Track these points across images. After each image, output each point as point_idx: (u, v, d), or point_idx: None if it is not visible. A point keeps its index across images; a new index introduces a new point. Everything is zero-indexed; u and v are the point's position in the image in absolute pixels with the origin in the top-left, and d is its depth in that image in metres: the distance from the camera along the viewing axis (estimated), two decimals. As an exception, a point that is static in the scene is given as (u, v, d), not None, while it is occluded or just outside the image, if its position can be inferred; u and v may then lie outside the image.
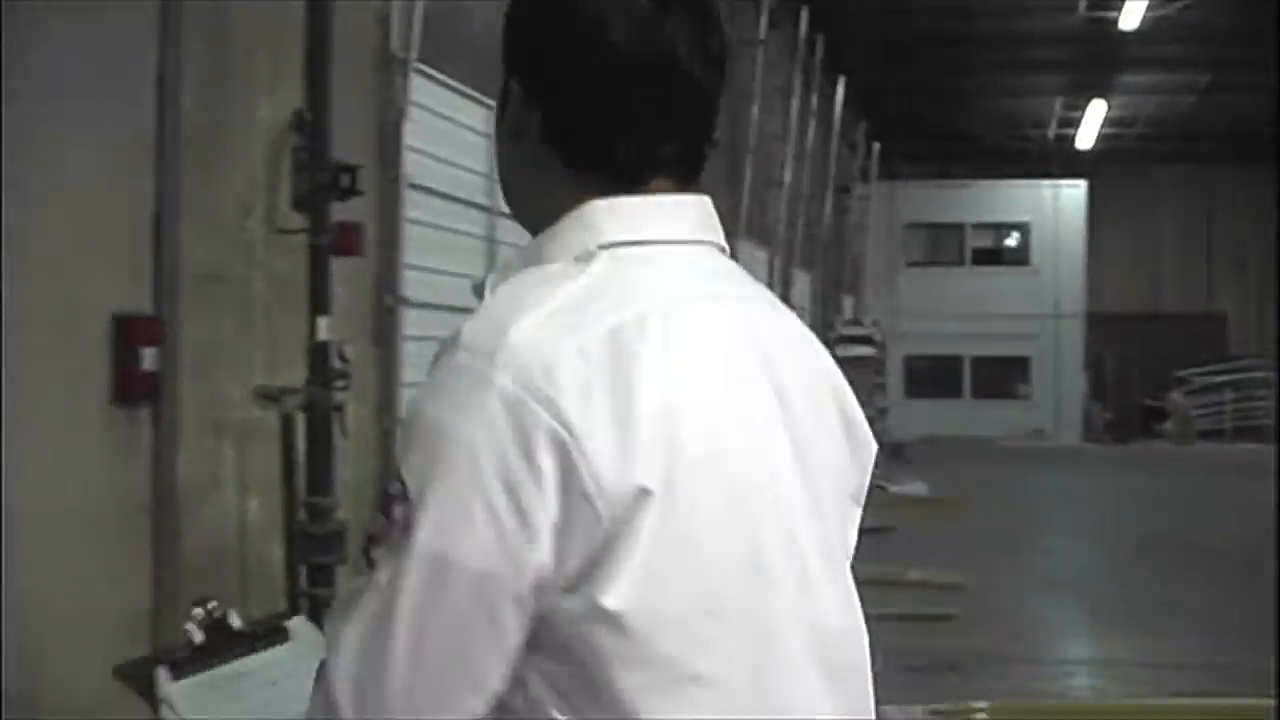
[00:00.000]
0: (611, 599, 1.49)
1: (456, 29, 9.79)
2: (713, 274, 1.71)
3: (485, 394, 1.50)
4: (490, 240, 10.68)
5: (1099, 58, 31.99)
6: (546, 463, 1.48)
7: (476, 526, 1.48)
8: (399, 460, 1.55)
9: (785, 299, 16.16)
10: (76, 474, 5.85)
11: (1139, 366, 40.16)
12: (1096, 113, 35.59)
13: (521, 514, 1.48)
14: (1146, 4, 25.08)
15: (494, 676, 1.51)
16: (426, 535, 1.49)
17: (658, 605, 1.50)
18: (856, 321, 30.93)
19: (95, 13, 6.02)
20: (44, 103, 5.65)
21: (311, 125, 6.81)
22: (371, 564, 1.55)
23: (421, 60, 9.02)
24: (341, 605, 1.57)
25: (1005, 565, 14.76)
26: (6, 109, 5.34)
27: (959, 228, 40.07)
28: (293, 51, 7.71)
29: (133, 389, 6.15)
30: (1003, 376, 39.28)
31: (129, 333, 6.17)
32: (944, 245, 40.24)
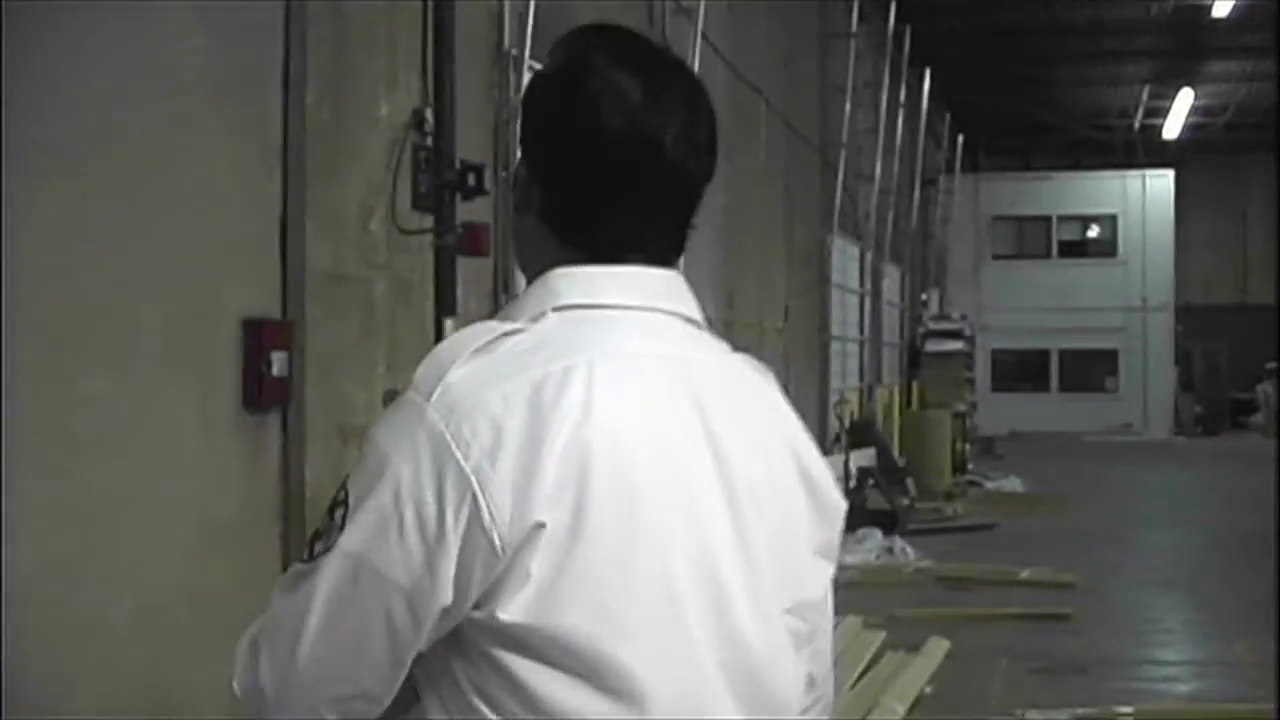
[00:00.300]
0: (507, 615, 1.67)
1: (565, 26, 9.66)
2: (658, 334, 1.84)
3: (417, 429, 1.72)
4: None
5: (1187, 45, 31.59)
6: (453, 498, 1.67)
7: (390, 542, 1.69)
8: (359, 460, 1.76)
9: (875, 293, 16.05)
10: (209, 481, 5.76)
11: (1227, 358, 39.59)
12: (1184, 101, 35.09)
13: (428, 540, 1.68)
14: (1239, -11, 24.65)
15: (387, 664, 1.73)
16: (351, 539, 1.72)
17: (559, 624, 1.67)
18: (945, 315, 30.61)
19: (218, 12, 5.93)
20: (168, 102, 5.57)
21: (435, 123, 6.70)
22: (312, 554, 1.76)
23: (533, 57, 8.89)
24: (282, 583, 1.79)
25: (1112, 562, 14.53)
26: (128, 111, 5.27)
27: (1045, 220, 39.61)
28: (410, 49, 7.64)
29: (263, 394, 6.05)
30: (1090, 370, 38.85)
31: (259, 337, 6.08)
32: (1030, 238, 39.81)
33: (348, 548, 1.72)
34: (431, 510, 1.68)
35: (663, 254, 1.89)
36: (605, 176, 1.84)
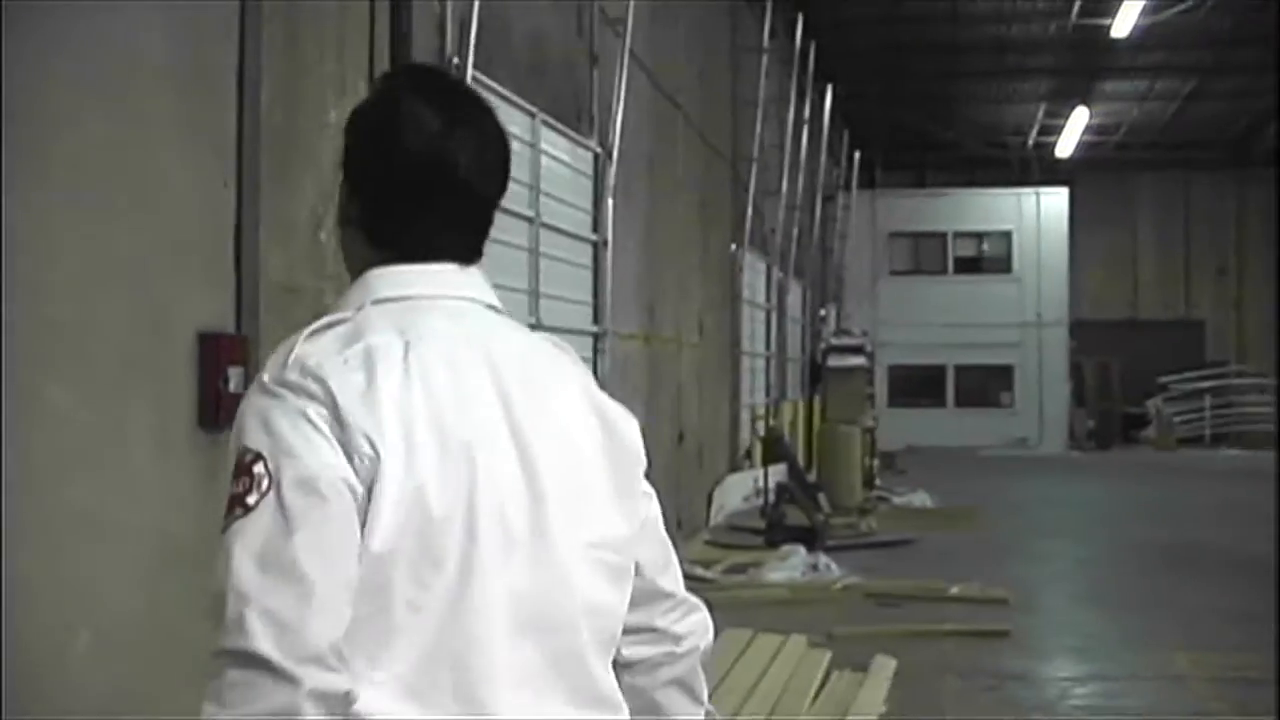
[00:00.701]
0: (375, 544, 1.97)
1: (497, 37, 9.47)
2: (461, 317, 2.18)
3: (280, 387, 2.03)
4: (534, 252, 10.34)
5: (1084, 64, 31.94)
6: (324, 414, 2.00)
7: (312, 451, 1.98)
8: (238, 442, 2.02)
9: (781, 308, 15.94)
10: (166, 503, 5.48)
11: (1119, 373, 40.07)
12: (1079, 119, 35.48)
13: (325, 440, 1.98)
14: (1140, 10, 24.88)
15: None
16: (287, 471, 1.97)
17: (398, 550, 1.98)
18: (846, 331, 30.62)
19: (177, 10, 5.66)
20: (127, 103, 5.30)
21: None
22: (246, 507, 1.96)
23: (476, 66, 8.67)
24: (225, 551, 1.96)
25: (1036, 577, 14.53)
26: (87, 111, 5.00)
27: (941, 236, 39.84)
28: (358, 54, 7.40)
29: (220, 412, 5.76)
30: (986, 385, 39.14)
31: (215, 352, 5.81)
32: (926, 254, 40.02)
33: (291, 476, 1.96)
34: (313, 424, 1.99)
35: (462, 257, 2.25)
36: (408, 191, 2.20)
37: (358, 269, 2.24)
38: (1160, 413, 39.52)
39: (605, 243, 12.08)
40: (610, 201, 12.10)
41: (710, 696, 2.52)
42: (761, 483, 19.60)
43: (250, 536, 1.95)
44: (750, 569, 13.83)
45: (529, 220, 10.20)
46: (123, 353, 5.31)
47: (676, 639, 2.39)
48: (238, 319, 6.15)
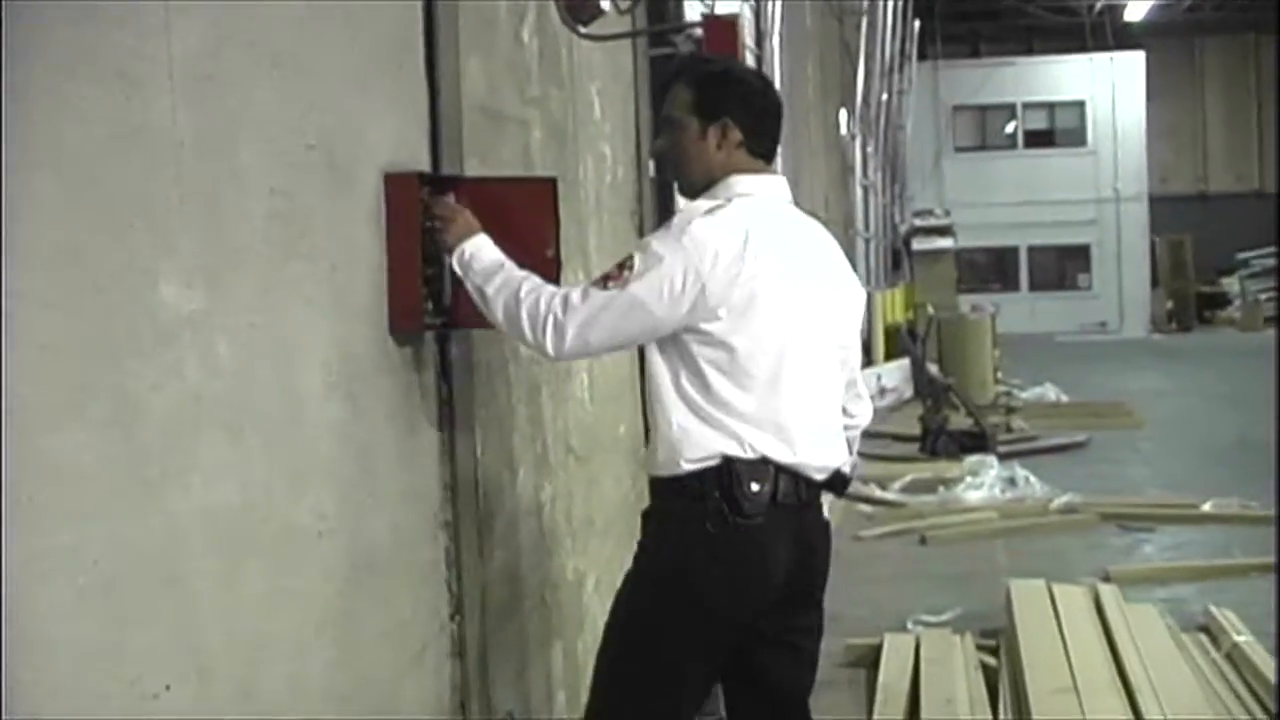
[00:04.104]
0: (714, 329, 3.40)
1: None
2: (783, 210, 3.63)
3: (677, 246, 3.39)
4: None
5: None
6: (692, 283, 3.35)
7: (654, 292, 3.36)
8: (631, 253, 3.47)
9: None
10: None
11: (1192, 251, 37.54)
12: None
13: (672, 296, 3.36)
14: None
15: (629, 342, 3.57)
16: (637, 288, 3.38)
17: (732, 338, 3.40)
18: (928, 210, 28.14)
19: None
20: None
21: None
22: (605, 285, 3.42)
23: None
24: (584, 294, 3.42)
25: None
26: None
27: (1009, 108, 37.20)
28: None
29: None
30: (1061, 267, 36.70)
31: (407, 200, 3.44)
32: (993, 128, 37.40)
33: (634, 292, 3.37)
34: (679, 285, 3.35)
35: (772, 157, 3.73)
36: (767, 122, 3.70)
37: (718, 169, 3.60)
38: (1245, 290, 37.01)
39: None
40: (775, 41, 9.62)
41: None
42: (884, 381, 17.28)
43: (589, 302, 3.42)
44: (939, 487, 11.46)
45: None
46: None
47: (851, 415, 3.80)
48: (434, 156, 3.80)
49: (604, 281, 3.41)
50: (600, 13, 5.06)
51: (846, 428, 3.74)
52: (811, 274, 3.54)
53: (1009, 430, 15.43)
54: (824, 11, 15.75)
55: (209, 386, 2.65)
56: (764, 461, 3.43)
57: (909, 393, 17.33)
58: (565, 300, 3.40)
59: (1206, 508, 10.33)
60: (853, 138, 17.87)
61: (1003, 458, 12.86)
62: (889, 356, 17.87)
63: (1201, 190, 40.90)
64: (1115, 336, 34.61)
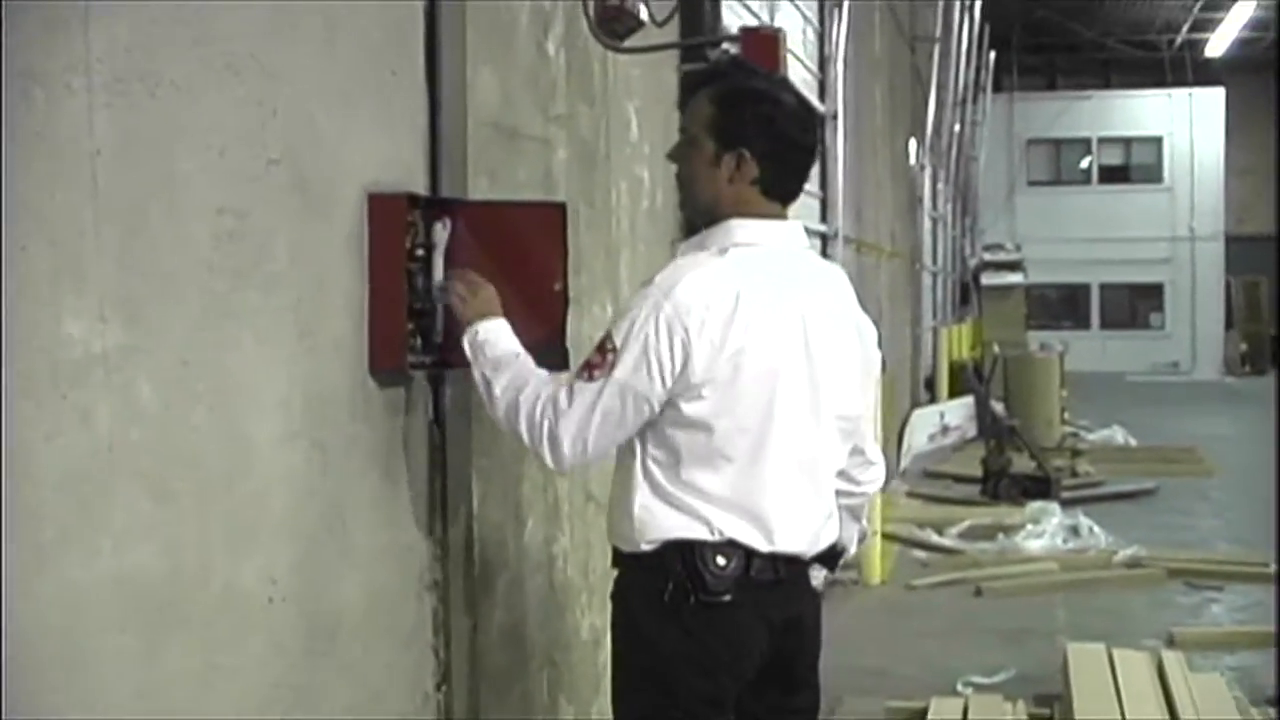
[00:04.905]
0: (692, 410, 3.04)
1: None
2: (788, 264, 3.19)
3: (658, 314, 3.00)
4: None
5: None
6: (678, 354, 3.00)
7: (642, 374, 3.01)
8: (610, 329, 3.09)
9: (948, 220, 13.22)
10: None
11: (1268, 293, 36.72)
12: (1241, 13, 31.91)
13: (663, 374, 3.01)
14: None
15: (631, 430, 3.09)
16: (621, 371, 3.02)
17: (712, 419, 3.04)
18: (998, 245, 27.59)
19: None
20: None
21: None
22: (590, 376, 3.06)
23: None
24: (569, 389, 3.08)
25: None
26: None
27: (1085, 142, 36.57)
28: None
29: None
30: (1134, 305, 36.00)
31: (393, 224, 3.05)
32: (1068, 162, 36.75)
33: (620, 378, 3.02)
34: (665, 358, 3.00)
35: (798, 195, 3.31)
36: (792, 163, 3.26)
37: (726, 203, 3.17)
38: (1323, 335, 36.18)
39: (835, 114, 9.22)
40: (840, 65, 9.22)
41: None
42: (948, 419, 16.77)
43: (579, 397, 3.08)
44: (999, 534, 10.97)
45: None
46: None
47: (858, 483, 3.44)
48: (433, 175, 3.44)
49: (588, 371, 3.07)
50: (638, 25, 4.69)
51: (851, 495, 3.43)
52: (813, 340, 3.15)
53: (1074, 474, 14.87)
54: (894, 37, 15.31)
55: (126, 434, 2.29)
56: (732, 544, 3.10)
57: (972, 431, 16.81)
58: (555, 405, 3.09)
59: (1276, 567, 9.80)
60: (922, 168, 17.37)
61: (1066, 504, 12.35)
62: (953, 394, 17.33)
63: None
64: (1187, 378, 33.87)
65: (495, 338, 3.21)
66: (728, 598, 3.09)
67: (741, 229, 3.14)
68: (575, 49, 4.47)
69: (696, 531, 3.07)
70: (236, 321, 2.61)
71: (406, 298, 3.16)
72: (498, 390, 3.15)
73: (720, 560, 3.08)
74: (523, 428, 3.11)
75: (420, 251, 3.23)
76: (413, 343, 3.22)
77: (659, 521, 3.10)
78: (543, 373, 3.20)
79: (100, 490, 2.24)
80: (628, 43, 4.66)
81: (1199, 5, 33.34)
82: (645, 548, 3.12)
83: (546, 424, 3.07)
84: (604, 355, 3.04)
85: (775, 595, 3.16)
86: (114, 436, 2.26)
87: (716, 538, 3.07)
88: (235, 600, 2.61)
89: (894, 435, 14.77)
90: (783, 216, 3.23)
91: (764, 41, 4.71)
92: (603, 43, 4.50)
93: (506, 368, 3.17)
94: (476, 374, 3.21)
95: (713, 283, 3.03)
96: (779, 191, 3.20)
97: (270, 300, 2.72)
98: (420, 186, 3.36)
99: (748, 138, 3.15)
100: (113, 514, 2.27)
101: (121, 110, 2.27)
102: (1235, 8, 31.68)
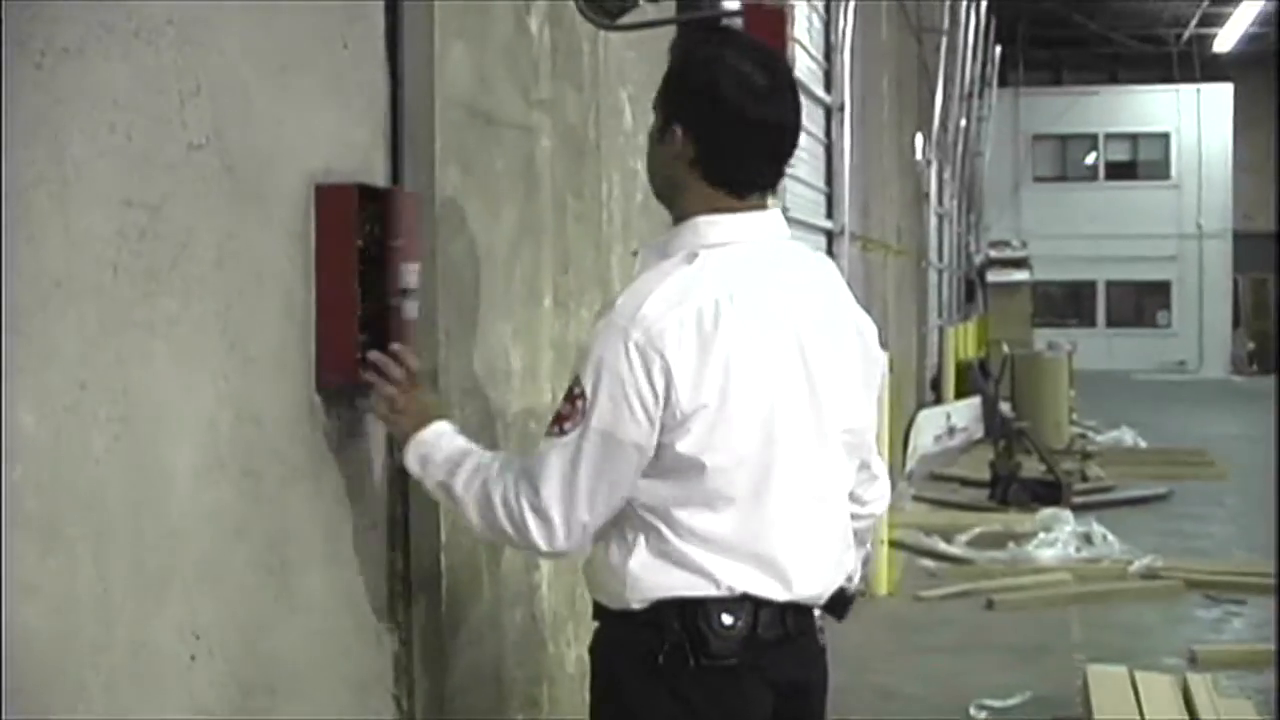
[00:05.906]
0: (682, 447, 2.59)
1: None
2: (771, 262, 2.73)
3: (627, 343, 2.56)
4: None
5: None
6: (659, 384, 2.56)
7: (622, 415, 2.57)
8: (577, 372, 2.63)
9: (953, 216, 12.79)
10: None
11: (1276, 290, 36.36)
12: (1249, 9, 31.51)
13: (645, 410, 2.57)
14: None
15: (630, 484, 2.63)
16: (598, 419, 2.58)
17: (705, 454, 2.59)
18: (1004, 242, 27.19)
19: None
20: None
21: None
22: (562, 430, 2.61)
23: None
24: (545, 448, 2.64)
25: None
26: None
27: (1091, 138, 36.18)
28: None
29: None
30: (1140, 303, 35.65)
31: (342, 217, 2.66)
32: (1074, 158, 36.36)
33: (597, 427, 2.58)
34: (645, 392, 2.56)
35: (771, 187, 2.85)
36: (739, 142, 2.70)
37: (679, 194, 2.73)
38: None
39: (841, 106, 8.83)
40: (847, 54, 8.83)
41: None
42: (954, 420, 16.40)
43: (554, 456, 2.64)
44: (1010, 543, 10.57)
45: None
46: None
47: (863, 503, 2.99)
48: (394, 163, 3.05)
49: (558, 425, 2.62)
50: (632, 2, 4.29)
51: (858, 517, 2.95)
52: (808, 347, 2.70)
53: (1084, 479, 14.50)
54: (902, 28, 14.92)
55: (6, 473, 1.90)
56: (740, 599, 2.66)
57: (980, 433, 16.46)
58: (528, 475, 2.64)
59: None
60: (928, 163, 16.97)
61: (1078, 510, 11.99)
62: (960, 394, 16.95)
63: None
64: (1194, 376, 33.56)
65: (438, 440, 2.79)
66: (733, 661, 2.67)
67: (711, 227, 2.68)
68: (561, 26, 4.08)
69: (699, 588, 2.64)
70: (147, 333, 2.21)
71: (359, 304, 2.76)
72: (459, 489, 2.72)
73: (726, 619, 2.65)
74: (500, 517, 2.66)
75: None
76: (366, 355, 2.82)
77: (654, 579, 2.66)
78: (504, 453, 2.83)
79: (-32, 541, 1.85)
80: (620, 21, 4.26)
81: (1207, 0, 32.97)
82: (636, 606, 2.69)
83: (525, 501, 2.63)
84: (574, 403, 2.60)
85: (782, 654, 2.73)
86: (-18, 475, 1.87)
87: (723, 593, 2.64)
88: (146, 661, 2.22)
89: (900, 437, 14.39)
90: (761, 206, 2.76)
91: (767, 17, 4.32)
92: (592, 20, 4.10)
93: (461, 464, 2.74)
94: (431, 486, 2.79)
95: (684, 296, 2.58)
96: (719, 177, 2.69)
97: (191, 308, 2.32)
98: (379, 175, 2.98)
99: (682, 108, 2.71)
100: (-18, 568, 1.88)
101: (-5, 81, 1.88)
102: (1243, 3, 31.32)
